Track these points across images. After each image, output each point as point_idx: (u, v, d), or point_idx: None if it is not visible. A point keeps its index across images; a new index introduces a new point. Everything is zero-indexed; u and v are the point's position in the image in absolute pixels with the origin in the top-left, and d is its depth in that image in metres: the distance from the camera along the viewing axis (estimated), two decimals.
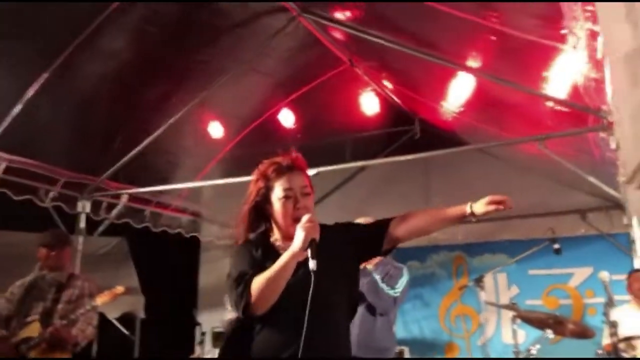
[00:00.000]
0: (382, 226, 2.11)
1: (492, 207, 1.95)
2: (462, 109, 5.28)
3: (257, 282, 1.89)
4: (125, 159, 4.78)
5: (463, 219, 2.02)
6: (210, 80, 4.65)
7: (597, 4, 0.64)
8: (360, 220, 3.89)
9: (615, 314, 3.74)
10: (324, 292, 1.90)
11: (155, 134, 4.70)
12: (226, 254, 6.82)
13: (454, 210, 2.03)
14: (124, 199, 4.99)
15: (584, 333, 4.09)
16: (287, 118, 5.50)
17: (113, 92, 4.41)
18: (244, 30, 4.43)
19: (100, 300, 3.73)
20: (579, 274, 5.52)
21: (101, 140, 4.76)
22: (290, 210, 2.02)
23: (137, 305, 6.99)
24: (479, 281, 4.55)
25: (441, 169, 6.06)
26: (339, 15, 4.33)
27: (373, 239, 2.12)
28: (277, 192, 2.05)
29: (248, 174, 4.72)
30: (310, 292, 1.81)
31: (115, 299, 3.78)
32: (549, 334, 4.08)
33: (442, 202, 6.20)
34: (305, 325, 1.80)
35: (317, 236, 1.91)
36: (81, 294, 3.84)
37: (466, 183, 5.93)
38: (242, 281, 1.93)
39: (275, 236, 2.10)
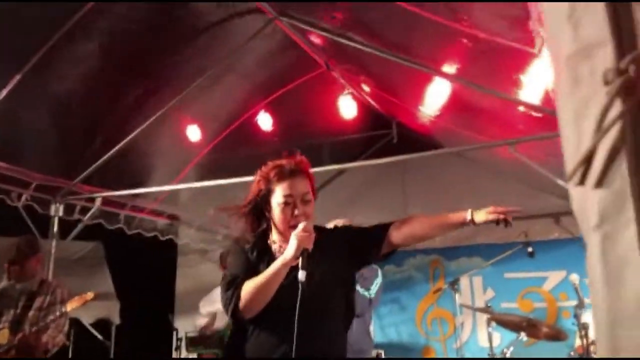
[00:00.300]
0: (381, 231, 2.11)
1: (493, 217, 1.94)
2: (439, 113, 5.32)
3: (247, 287, 1.91)
4: (100, 162, 4.72)
5: (462, 225, 2.02)
6: (186, 83, 4.63)
7: (542, 3, 0.65)
8: (338, 222, 3.92)
9: (586, 316, 3.79)
10: (318, 296, 1.94)
11: (130, 137, 4.65)
12: (203, 258, 6.78)
13: (454, 217, 2.02)
14: (98, 202, 4.91)
15: (557, 335, 4.14)
16: (264, 121, 5.49)
17: (87, 94, 4.36)
18: (220, 32, 4.42)
19: (69, 306, 3.67)
20: (553, 278, 5.59)
21: (75, 143, 4.70)
22: (288, 217, 2.02)
23: (112, 310, 6.91)
24: (453, 284, 4.57)
25: (418, 173, 6.09)
26: (316, 19, 4.35)
27: (372, 243, 2.11)
28: (277, 197, 2.04)
29: (225, 176, 4.77)
30: (298, 302, 1.82)
31: (84, 305, 3.72)
32: (523, 336, 4.12)
33: (420, 205, 6.25)
34: (295, 329, 1.82)
35: (310, 246, 1.92)
36: (53, 301, 3.78)
37: (443, 186, 5.97)
38: (232, 285, 1.95)
39: (274, 238, 2.11)
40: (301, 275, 1.85)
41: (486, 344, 4.49)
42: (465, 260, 5.84)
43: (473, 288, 5.92)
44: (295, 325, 1.82)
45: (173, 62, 4.58)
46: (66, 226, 5.16)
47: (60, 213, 4.98)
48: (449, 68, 4.33)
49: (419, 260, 6.25)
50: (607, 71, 0.61)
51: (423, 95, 5.05)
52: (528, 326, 4.12)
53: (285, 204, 2.02)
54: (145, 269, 7.22)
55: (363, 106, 5.82)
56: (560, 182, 3.52)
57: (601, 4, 0.63)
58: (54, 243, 4.96)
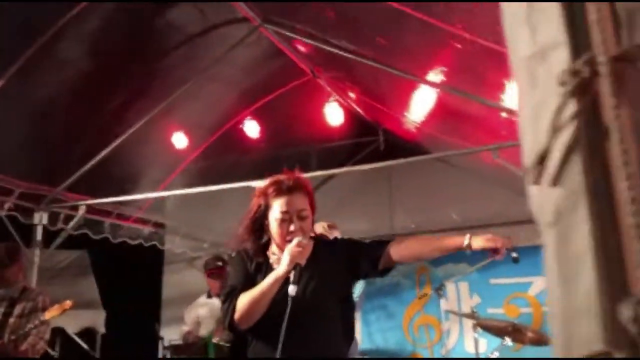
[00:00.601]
0: (380, 247, 2.16)
1: (490, 245, 2.03)
2: (424, 120, 5.35)
3: (242, 300, 2.00)
4: (84, 169, 4.69)
5: (459, 249, 2.10)
6: (171, 90, 4.62)
7: (502, 3, 0.66)
8: (323, 224, 3.92)
9: None
10: (312, 308, 2.02)
11: (114, 144, 4.63)
12: (189, 265, 6.75)
13: (452, 241, 2.10)
14: (82, 210, 4.87)
15: (542, 340, 4.16)
16: (251, 128, 5.49)
17: (71, 101, 4.34)
18: (205, 39, 4.42)
19: (48, 314, 3.64)
20: (538, 283, 5.61)
21: (59, 151, 4.67)
22: (284, 232, 2.09)
23: (97, 319, 6.85)
24: (439, 290, 4.58)
25: (405, 179, 6.11)
26: (301, 26, 4.36)
27: (368, 257, 2.16)
28: (275, 213, 2.11)
29: (211, 184, 4.76)
30: (286, 316, 1.88)
31: (63, 313, 3.69)
32: (508, 341, 4.13)
33: (406, 210, 6.26)
34: (280, 344, 1.87)
35: (302, 261, 2.00)
36: (34, 308, 3.74)
37: (429, 192, 6.00)
38: (229, 297, 2.05)
39: (273, 250, 2.18)
40: (291, 289, 1.93)
41: (473, 350, 4.50)
42: (452, 266, 5.85)
43: (459, 294, 5.93)
44: (281, 339, 1.87)
45: (157, 69, 4.58)
46: (51, 234, 5.12)
47: (44, 221, 4.94)
48: (434, 75, 4.37)
49: (405, 267, 6.25)
50: (561, 72, 0.62)
51: (409, 102, 5.08)
52: (513, 331, 4.14)
53: (282, 219, 2.09)
54: (131, 277, 7.17)
55: (350, 113, 5.84)
56: None
57: (556, 6, 0.64)
58: (37, 252, 4.91)
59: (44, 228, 5.00)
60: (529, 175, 0.64)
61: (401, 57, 4.22)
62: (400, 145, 5.99)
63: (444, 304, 4.69)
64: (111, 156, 4.75)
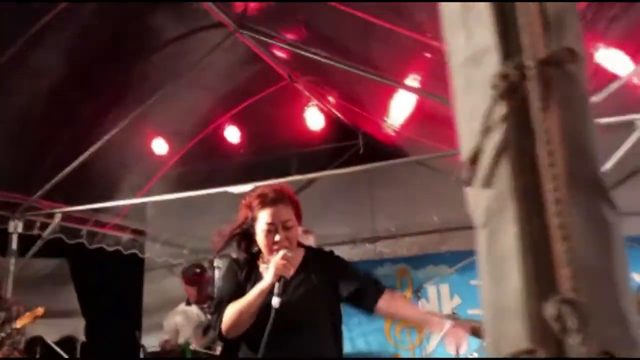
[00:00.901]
0: (372, 299, 2.17)
1: (450, 342, 2.10)
2: (403, 123, 5.38)
3: (229, 311, 2.05)
4: (59, 176, 4.63)
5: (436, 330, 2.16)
6: (148, 95, 4.59)
7: (441, 7, 0.66)
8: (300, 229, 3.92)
9: None
10: (302, 314, 2.08)
11: (90, 151, 4.58)
12: (170, 272, 6.70)
13: (434, 324, 2.18)
14: (57, 218, 4.82)
15: None
16: (229, 133, 5.48)
17: (47, 108, 4.30)
18: (181, 45, 4.41)
19: (20, 322, 3.60)
20: None
21: (34, 158, 4.62)
22: (270, 243, 2.13)
23: (77, 328, 6.78)
24: (418, 292, 4.60)
25: (385, 183, 6.13)
26: (277, 32, 4.37)
27: (356, 300, 2.20)
28: (260, 224, 2.16)
29: (191, 190, 4.72)
30: (268, 327, 1.94)
31: (35, 320, 3.65)
32: (484, 342, 4.15)
33: (387, 214, 6.26)
34: (261, 352, 1.95)
35: (288, 274, 2.04)
36: (8, 317, 3.70)
37: (409, 195, 6.02)
38: (218, 307, 2.11)
39: (262, 259, 2.22)
40: (275, 302, 1.98)
41: (454, 351, 4.51)
42: (432, 268, 5.89)
43: (440, 295, 5.96)
44: (262, 350, 1.94)
45: (134, 75, 4.55)
46: (28, 243, 5.05)
47: (19, 230, 4.87)
48: (411, 80, 4.40)
49: (386, 269, 6.28)
50: (492, 76, 0.63)
51: (388, 107, 5.11)
52: None
53: (268, 230, 2.13)
54: (111, 285, 7.10)
55: (329, 118, 5.85)
56: None
57: (489, 10, 0.65)
58: (12, 260, 4.84)
59: (20, 236, 4.93)
60: (463, 176, 0.65)
61: (377, 64, 4.25)
62: (380, 149, 6.01)
63: (425, 306, 4.71)
64: (88, 163, 4.70)
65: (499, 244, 0.57)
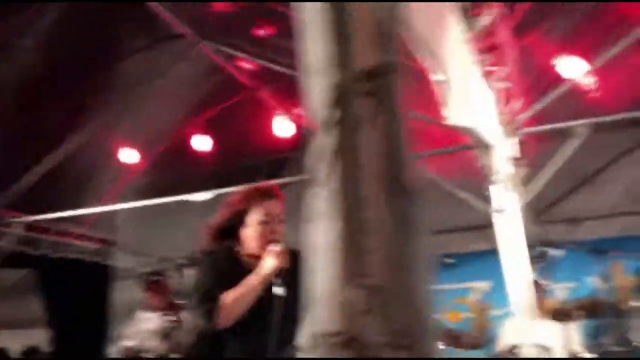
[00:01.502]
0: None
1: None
2: None
3: (228, 300, 2.07)
4: (19, 185, 4.62)
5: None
6: (114, 104, 4.61)
7: (300, 15, 0.74)
8: None
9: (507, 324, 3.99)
10: (290, 308, 2.07)
11: (53, 161, 4.58)
12: (138, 282, 6.66)
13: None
14: (20, 228, 4.79)
15: (476, 345, 4.31)
16: (198, 142, 5.50)
17: (8, 117, 4.29)
18: (145, 54, 4.45)
19: None
20: (478, 288, 5.75)
21: None
22: (266, 235, 2.17)
23: (42, 338, 6.70)
24: None
25: None
26: (240, 42, 4.44)
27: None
28: (257, 216, 2.19)
29: (158, 197, 4.71)
30: (271, 317, 2.03)
31: None
32: (443, 347, 4.25)
33: None
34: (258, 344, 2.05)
35: (286, 265, 2.09)
36: None
37: None
38: (208, 298, 2.11)
39: (244, 252, 2.24)
40: (280, 290, 2.06)
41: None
42: None
43: None
44: (269, 339, 2.04)
45: (98, 84, 4.56)
46: None
47: None
48: None
49: None
50: (329, 86, 0.71)
51: None
52: (449, 337, 4.26)
53: (265, 222, 2.19)
54: (78, 294, 7.03)
55: (298, 125, 5.90)
56: (463, 195, 3.70)
57: (329, 22, 0.73)
58: None
59: None
60: (310, 178, 0.73)
61: None
62: None
63: None
64: (52, 172, 4.70)
65: (319, 237, 0.65)
